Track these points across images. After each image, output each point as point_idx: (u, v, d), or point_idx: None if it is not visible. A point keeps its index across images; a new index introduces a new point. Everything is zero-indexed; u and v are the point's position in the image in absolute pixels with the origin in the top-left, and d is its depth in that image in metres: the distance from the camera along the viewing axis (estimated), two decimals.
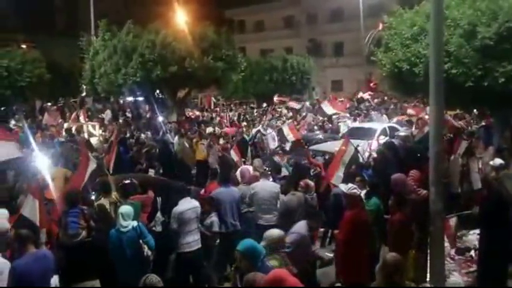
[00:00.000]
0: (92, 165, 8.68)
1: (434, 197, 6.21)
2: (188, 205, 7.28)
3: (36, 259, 5.25)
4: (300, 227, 6.44)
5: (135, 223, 6.54)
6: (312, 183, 8.51)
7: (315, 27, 45.15)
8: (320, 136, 17.63)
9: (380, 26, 17.39)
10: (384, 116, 21.94)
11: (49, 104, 23.20)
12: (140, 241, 6.56)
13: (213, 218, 7.58)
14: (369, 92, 29.41)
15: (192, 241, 7.17)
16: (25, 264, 5.14)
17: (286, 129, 15.25)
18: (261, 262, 4.84)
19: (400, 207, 6.63)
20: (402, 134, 12.69)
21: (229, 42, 22.03)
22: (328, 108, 21.99)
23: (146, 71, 19.26)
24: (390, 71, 12.14)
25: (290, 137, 14.77)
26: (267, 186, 8.49)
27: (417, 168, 7.95)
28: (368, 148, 13.47)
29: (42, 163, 9.15)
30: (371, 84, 34.88)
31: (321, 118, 21.97)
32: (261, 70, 30.68)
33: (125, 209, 6.63)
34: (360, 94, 30.20)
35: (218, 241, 7.63)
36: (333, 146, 12.17)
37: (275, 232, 5.44)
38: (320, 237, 7.50)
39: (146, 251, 6.68)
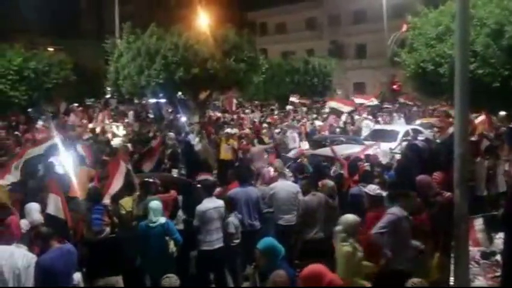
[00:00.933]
0: (123, 170, 8.72)
1: (458, 199, 6.05)
2: (211, 204, 7.33)
3: (60, 254, 5.33)
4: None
5: (163, 220, 6.68)
6: (331, 182, 8.40)
7: (337, 28, 44.88)
8: (342, 138, 17.46)
9: (404, 27, 17.12)
10: (402, 119, 21.66)
11: (75, 105, 23.57)
12: (167, 238, 6.65)
13: (229, 218, 7.55)
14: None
15: (214, 240, 7.18)
16: (49, 259, 5.23)
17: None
18: (280, 261, 4.86)
19: (426, 209, 6.48)
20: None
21: (250, 44, 22.07)
22: (340, 107, 21.82)
23: (169, 73, 19.41)
24: (415, 72, 11.99)
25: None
26: (286, 186, 8.44)
27: (441, 170, 7.79)
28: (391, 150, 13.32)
29: (67, 162, 9.25)
30: (394, 86, 34.43)
31: (343, 119, 21.82)
32: (282, 72, 30.64)
33: (155, 204, 6.74)
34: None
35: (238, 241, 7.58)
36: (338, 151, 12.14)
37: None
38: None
39: (171, 247, 6.75)
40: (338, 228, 5.34)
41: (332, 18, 45.75)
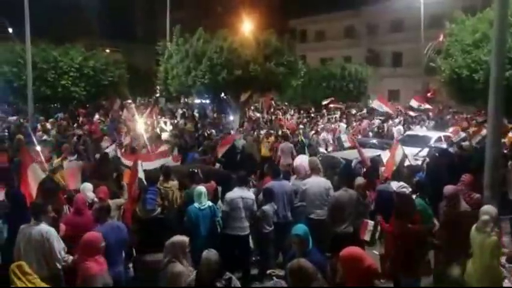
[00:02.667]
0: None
1: (488, 201, 5.83)
2: (239, 193, 7.40)
3: (111, 228, 5.69)
4: None
5: (210, 203, 6.91)
6: (363, 180, 8.28)
7: (374, 37, 44.12)
8: (374, 141, 17.20)
9: (441, 37, 16.53)
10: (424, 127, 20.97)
11: (128, 101, 24.24)
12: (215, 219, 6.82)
13: (265, 207, 7.60)
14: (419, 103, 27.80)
15: (237, 227, 7.23)
16: (103, 231, 5.57)
17: (344, 137, 15.31)
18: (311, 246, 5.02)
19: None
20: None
21: (290, 49, 22.02)
22: (380, 106, 21.38)
23: (213, 74, 19.61)
24: (449, 78, 11.61)
25: (347, 144, 15.03)
26: (318, 182, 8.34)
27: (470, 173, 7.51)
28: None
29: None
30: (428, 94, 33.51)
31: (376, 123, 21.47)
32: (320, 77, 30.40)
33: (202, 190, 7.03)
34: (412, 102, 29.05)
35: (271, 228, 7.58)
36: (352, 155, 12.03)
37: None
38: (369, 231, 7.22)
39: (219, 229, 6.87)
40: (485, 218, 5.22)
41: (370, 27, 45.02)
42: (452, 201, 6.50)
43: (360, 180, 8.32)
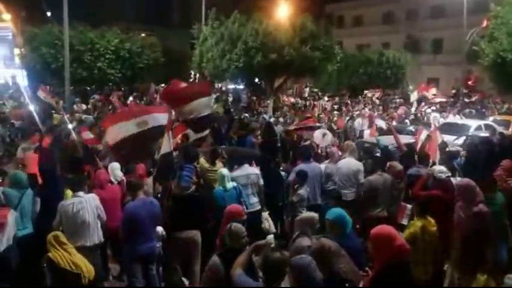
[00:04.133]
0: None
1: None
2: (244, 171, 7.52)
3: (143, 204, 5.75)
4: None
5: (235, 184, 6.91)
6: (400, 165, 8.15)
7: (414, 23, 42.87)
8: (411, 128, 16.95)
9: (484, 23, 15.90)
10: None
11: (162, 85, 24.60)
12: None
13: (300, 191, 7.59)
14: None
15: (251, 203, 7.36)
16: (134, 207, 5.72)
17: (380, 123, 15.09)
18: (349, 230, 4.90)
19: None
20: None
21: (327, 33, 21.70)
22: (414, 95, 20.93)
23: (248, 57, 19.59)
24: (493, 62, 11.19)
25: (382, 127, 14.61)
26: (350, 163, 8.34)
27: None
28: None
29: None
30: (469, 82, 32.50)
31: (413, 110, 21.10)
32: (356, 62, 29.92)
33: (226, 171, 7.11)
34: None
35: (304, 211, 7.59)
36: (388, 141, 11.76)
37: None
38: (407, 215, 7.14)
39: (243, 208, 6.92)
40: None
41: (410, 13, 43.75)
42: (467, 194, 5.90)
43: (396, 164, 8.21)
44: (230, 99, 25.70)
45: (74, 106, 17.88)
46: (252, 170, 7.67)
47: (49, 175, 6.73)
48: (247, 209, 7.07)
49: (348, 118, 17.97)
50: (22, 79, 28.63)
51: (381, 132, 14.69)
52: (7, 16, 34.85)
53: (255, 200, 7.45)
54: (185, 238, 6.33)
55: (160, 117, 7.35)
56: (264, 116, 15.59)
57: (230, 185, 6.98)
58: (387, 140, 12.11)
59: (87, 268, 4.74)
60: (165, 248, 6.46)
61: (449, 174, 6.94)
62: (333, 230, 4.90)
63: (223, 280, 4.12)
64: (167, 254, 6.44)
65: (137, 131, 7.19)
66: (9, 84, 27.67)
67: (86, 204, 5.83)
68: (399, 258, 3.86)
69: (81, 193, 5.93)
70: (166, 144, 7.34)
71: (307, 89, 31.33)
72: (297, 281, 3.67)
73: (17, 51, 31.43)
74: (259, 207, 7.48)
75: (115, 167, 7.43)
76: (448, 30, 37.82)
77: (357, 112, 19.91)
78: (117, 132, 7.18)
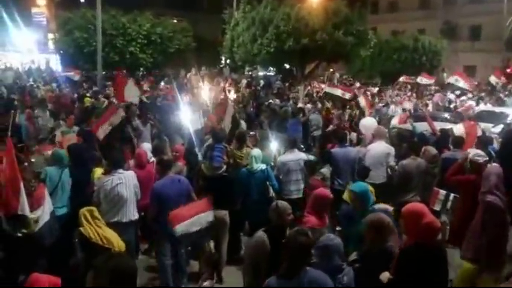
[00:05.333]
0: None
1: None
2: (292, 156, 7.45)
3: (171, 182, 5.83)
4: None
5: (264, 166, 6.85)
6: (434, 150, 7.97)
7: (452, 8, 41.52)
8: (446, 115, 16.58)
9: None
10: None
11: (193, 71, 24.79)
12: (267, 183, 6.80)
13: (322, 169, 7.54)
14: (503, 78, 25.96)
15: (293, 190, 7.28)
16: (162, 185, 5.82)
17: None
18: (371, 207, 4.97)
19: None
20: None
21: (361, 18, 21.23)
22: (457, 80, 20.30)
23: (279, 42, 19.39)
24: None
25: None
26: (379, 146, 8.30)
27: None
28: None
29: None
30: (508, 70, 31.34)
31: (450, 97, 20.57)
32: (390, 48, 29.22)
33: (257, 152, 7.05)
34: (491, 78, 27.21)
35: None
36: (422, 127, 11.77)
37: None
38: (440, 200, 6.96)
39: (271, 193, 6.87)
40: None
41: None
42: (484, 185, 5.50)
43: (431, 149, 8.03)
44: (261, 85, 25.58)
45: (107, 90, 18.14)
46: (302, 155, 7.62)
47: (77, 155, 6.86)
48: (277, 193, 7.03)
49: (382, 104, 17.65)
50: (56, 63, 29.38)
51: (416, 118, 14.42)
52: (41, 1, 35.62)
53: (297, 187, 7.36)
54: (215, 218, 6.34)
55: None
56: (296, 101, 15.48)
57: (258, 166, 6.91)
58: (422, 127, 11.95)
59: (118, 243, 4.79)
60: None
61: (487, 158, 6.71)
62: (356, 203, 5.01)
63: (268, 256, 4.13)
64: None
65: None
66: (42, 69, 28.40)
67: (125, 180, 5.93)
68: (427, 236, 3.82)
69: (120, 170, 6.04)
70: (197, 121, 7.60)
71: (336, 75, 30.82)
72: (322, 261, 3.71)
73: (50, 35, 32.14)
74: (300, 195, 7.34)
75: (148, 148, 7.54)
76: (487, 16, 36.56)
77: (390, 99, 19.55)
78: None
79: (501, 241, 5.06)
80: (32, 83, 20.79)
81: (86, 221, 4.74)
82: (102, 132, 8.59)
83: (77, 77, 18.63)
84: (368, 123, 11.47)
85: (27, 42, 31.58)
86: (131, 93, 10.38)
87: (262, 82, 27.02)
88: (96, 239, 4.60)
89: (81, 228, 4.70)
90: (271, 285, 3.39)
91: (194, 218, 5.35)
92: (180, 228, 5.30)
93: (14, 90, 17.46)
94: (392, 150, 8.22)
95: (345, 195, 6.19)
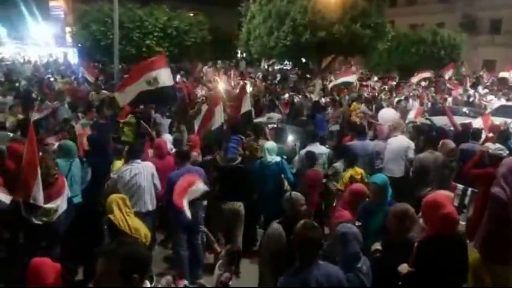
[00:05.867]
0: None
1: None
2: (317, 149, 7.54)
3: (188, 172, 5.84)
4: None
5: (278, 159, 6.79)
6: (452, 144, 7.85)
7: (471, 2, 40.75)
8: (465, 110, 16.39)
9: None
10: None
11: (209, 64, 24.84)
12: (282, 176, 6.76)
13: (336, 164, 7.47)
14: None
15: None
16: (178, 175, 5.76)
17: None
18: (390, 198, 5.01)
19: None
20: None
21: (379, 11, 20.97)
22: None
23: (296, 35, 19.28)
24: None
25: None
26: (401, 139, 8.23)
27: None
28: None
29: None
30: None
31: (470, 92, 20.27)
32: (408, 42, 28.81)
33: (270, 145, 6.98)
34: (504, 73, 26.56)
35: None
36: (441, 121, 11.76)
37: None
38: (457, 195, 6.88)
39: (286, 185, 6.82)
40: None
41: None
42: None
43: (449, 142, 7.91)
44: (277, 79, 25.53)
45: None
46: (323, 149, 7.59)
47: (97, 144, 6.90)
48: (292, 187, 6.98)
49: (399, 98, 17.45)
50: (73, 57, 29.67)
51: (434, 112, 14.26)
52: None
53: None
54: (229, 209, 6.36)
55: (166, 75, 7.68)
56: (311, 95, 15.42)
57: (272, 159, 6.86)
58: (440, 121, 11.83)
59: (145, 234, 4.78)
60: (209, 218, 6.52)
61: (507, 152, 6.58)
62: (376, 195, 4.94)
63: (285, 247, 4.12)
64: (211, 224, 6.50)
65: (148, 88, 7.54)
66: (60, 62, 28.71)
67: (143, 170, 5.97)
68: (446, 227, 3.77)
69: (138, 160, 6.06)
70: (218, 118, 7.63)
71: (353, 69, 30.50)
72: (340, 249, 3.70)
73: (68, 29, 32.43)
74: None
75: (169, 139, 7.62)
76: (508, 10, 35.89)
77: (407, 93, 19.31)
78: (129, 93, 7.66)
79: (502, 234, 4.86)
80: (50, 76, 21.02)
81: (118, 208, 4.71)
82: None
83: (93, 79, 18.68)
84: (387, 114, 11.34)
85: (45, 35, 31.93)
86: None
87: (278, 76, 26.93)
88: (125, 228, 4.59)
89: (110, 216, 4.67)
90: (283, 283, 3.35)
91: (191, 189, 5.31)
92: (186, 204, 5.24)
93: (33, 83, 17.65)
94: (411, 144, 8.15)
95: (339, 184, 6.24)
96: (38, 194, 5.12)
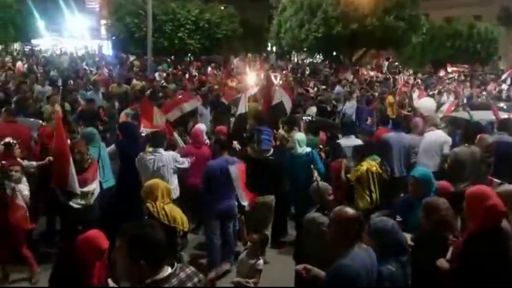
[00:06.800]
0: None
1: None
2: (348, 142, 7.31)
3: (226, 162, 5.82)
4: None
5: (309, 149, 6.75)
6: (489, 137, 7.59)
7: None
8: (502, 105, 15.87)
9: None
10: None
11: (240, 56, 24.90)
12: (312, 166, 6.69)
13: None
14: None
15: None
16: (215, 165, 5.81)
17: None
18: (432, 193, 4.65)
19: None
20: None
21: (413, 2, 20.54)
22: None
23: (327, 28, 19.12)
24: None
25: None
26: (435, 134, 7.90)
27: None
28: None
29: None
30: None
31: (503, 86, 19.66)
32: (444, 35, 28.09)
33: (301, 136, 6.91)
34: None
35: None
36: (478, 116, 11.19)
37: None
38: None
39: (316, 175, 6.76)
40: None
41: None
42: None
43: (486, 137, 7.66)
44: (307, 72, 25.33)
45: (156, 74, 18.49)
46: (358, 141, 7.50)
47: (129, 132, 7.04)
48: (317, 178, 6.92)
49: (433, 92, 17.09)
50: (107, 49, 30.24)
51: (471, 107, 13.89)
52: None
53: None
54: (261, 203, 6.33)
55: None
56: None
57: (302, 150, 6.82)
58: (478, 115, 11.51)
59: (182, 221, 4.84)
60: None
61: None
62: (416, 189, 4.73)
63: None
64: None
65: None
66: (95, 54, 29.31)
67: (166, 161, 6.02)
68: (492, 219, 3.57)
69: (161, 150, 6.13)
70: (242, 105, 7.61)
71: (386, 63, 30.00)
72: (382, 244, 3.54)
73: (103, 22, 33.04)
74: None
75: (204, 129, 7.60)
76: None
77: (440, 87, 18.88)
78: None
79: None
80: (86, 67, 21.51)
81: (162, 196, 4.75)
82: (172, 116, 8.45)
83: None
84: (429, 104, 11.13)
85: (80, 28, 32.67)
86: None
87: (308, 69, 26.73)
88: (163, 218, 4.62)
89: (149, 205, 4.73)
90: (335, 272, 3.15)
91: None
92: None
93: (70, 74, 18.09)
94: (448, 139, 7.83)
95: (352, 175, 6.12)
96: (74, 182, 5.30)
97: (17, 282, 5.58)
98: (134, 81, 14.97)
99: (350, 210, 3.31)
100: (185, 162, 6.29)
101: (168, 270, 2.29)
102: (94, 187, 5.60)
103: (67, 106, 10.35)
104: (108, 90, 13.56)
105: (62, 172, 5.26)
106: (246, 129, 8.08)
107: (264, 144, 6.83)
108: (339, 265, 3.07)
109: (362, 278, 3.02)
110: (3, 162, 5.32)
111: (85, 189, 5.51)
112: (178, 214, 4.73)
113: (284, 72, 21.73)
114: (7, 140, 5.82)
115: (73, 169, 5.27)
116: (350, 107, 12.28)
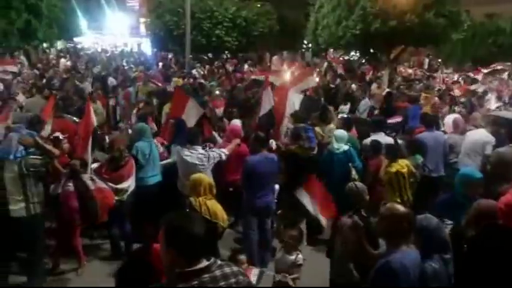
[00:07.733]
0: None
1: None
2: (381, 139, 7.30)
3: (265, 159, 5.95)
4: None
5: (346, 147, 6.75)
6: None
7: None
8: None
9: None
10: None
11: (279, 54, 24.93)
12: (350, 164, 6.69)
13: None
14: None
15: None
16: (256, 160, 5.95)
17: None
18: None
19: None
20: None
21: None
22: None
23: (365, 24, 18.74)
24: None
25: None
26: (480, 133, 7.80)
27: None
28: None
29: None
30: None
31: None
32: (485, 32, 27.15)
33: (340, 133, 6.90)
34: None
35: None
36: None
37: None
38: None
39: (354, 174, 6.75)
40: None
41: None
42: None
43: None
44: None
45: (194, 71, 18.74)
46: (388, 139, 7.45)
47: (181, 127, 7.22)
48: (354, 176, 6.88)
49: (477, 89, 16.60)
50: (147, 47, 30.86)
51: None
52: None
53: None
54: (297, 200, 6.37)
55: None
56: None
57: (340, 146, 6.82)
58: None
59: (222, 217, 4.91)
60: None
61: None
62: (479, 190, 4.74)
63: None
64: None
65: None
66: (134, 51, 29.98)
67: (207, 163, 6.16)
68: None
69: (199, 148, 6.25)
70: (267, 101, 7.66)
71: (427, 60, 29.27)
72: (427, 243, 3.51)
73: (142, 19, 33.73)
74: None
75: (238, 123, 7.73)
76: None
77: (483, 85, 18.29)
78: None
79: None
80: (125, 64, 22.03)
81: (204, 192, 4.86)
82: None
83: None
84: (450, 121, 10.86)
85: (121, 26, 33.47)
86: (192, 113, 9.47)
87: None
88: (205, 212, 4.72)
89: (192, 199, 4.83)
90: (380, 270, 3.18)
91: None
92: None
93: (110, 71, 18.58)
94: (491, 139, 7.66)
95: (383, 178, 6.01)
96: (88, 156, 5.76)
97: (64, 273, 5.83)
98: (175, 79, 15.23)
99: (401, 208, 3.31)
100: (221, 155, 6.35)
101: (202, 265, 2.22)
102: (128, 184, 5.81)
103: (112, 102, 10.65)
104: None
105: (83, 148, 5.74)
106: (272, 125, 8.13)
107: (311, 142, 6.89)
108: (389, 261, 3.07)
109: (410, 277, 3.01)
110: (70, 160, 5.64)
111: (120, 185, 5.70)
112: (218, 210, 4.82)
113: (318, 70, 21.64)
114: (56, 134, 6.08)
115: (89, 146, 5.76)
116: (363, 105, 12.15)
